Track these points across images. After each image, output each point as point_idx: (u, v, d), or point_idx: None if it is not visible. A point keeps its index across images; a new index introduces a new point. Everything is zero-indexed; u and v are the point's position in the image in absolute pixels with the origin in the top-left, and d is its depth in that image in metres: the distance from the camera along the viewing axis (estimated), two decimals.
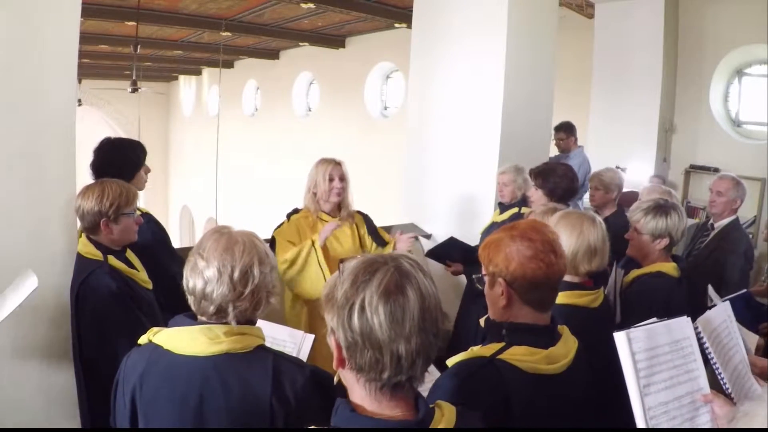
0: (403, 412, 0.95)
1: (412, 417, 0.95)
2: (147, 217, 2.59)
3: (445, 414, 1.00)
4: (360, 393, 0.96)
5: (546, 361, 1.32)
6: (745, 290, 2.54)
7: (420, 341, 0.92)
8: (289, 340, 1.86)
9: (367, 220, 3.07)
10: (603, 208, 3.49)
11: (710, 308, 2.40)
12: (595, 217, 1.94)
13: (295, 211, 2.94)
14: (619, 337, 1.34)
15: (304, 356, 1.82)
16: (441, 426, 0.97)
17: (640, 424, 1.31)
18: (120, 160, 2.51)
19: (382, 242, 3.04)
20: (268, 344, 1.40)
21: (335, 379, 1.02)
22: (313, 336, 1.89)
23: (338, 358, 0.96)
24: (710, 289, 2.41)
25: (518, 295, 1.35)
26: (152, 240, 2.56)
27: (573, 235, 1.85)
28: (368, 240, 3.02)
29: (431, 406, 1.01)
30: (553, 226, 1.88)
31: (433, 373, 1.58)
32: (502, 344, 1.33)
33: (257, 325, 1.42)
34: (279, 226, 2.91)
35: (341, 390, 1.00)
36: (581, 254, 1.86)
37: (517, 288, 1.34)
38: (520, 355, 1.31)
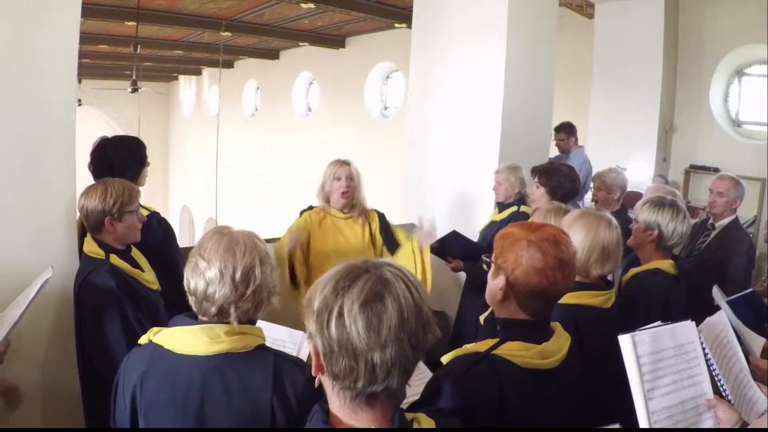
0: (378, 424, 0.94)
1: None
2: (157, 217, 2.60)
3: (423, 425, 0.98)
4: (336, 403, 0.95)
5: (540, 356, 1.33)
6: (751, 290, 2.53)
7: (396, 351, 0.90)
8: (288, 341, 1.86)
9: (381, 218, 3.12)
10: (606, 209, 3.48)
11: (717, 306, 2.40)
12: (611, 220, 1.91)
13: (309, 207, 3.08)
14: (624, 341, 1.33)
15: (303, 356, 1.81)
16: None
17: (643, 426, 1.31)
18: (127, 160, 2.51)
19: (392, 245, 3.06)
20: (267, 344, 1.40)
21: (316, 382, 1.00)
22: None
23: (316, 364, 0.95)
24: (715, 290, 2.41)
25: (515, 297, 1.36)
26: (165, 240, 2.56)
27: (588, 236, 1.84)
28: (379, 238, 3.06)
29: (410, 418, 0.99)
30: (569, 225, 1.88)
31: (424, 372, 1.58)
32: (497, 340, 1.34)
33: (257, 325, 1.42)
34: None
35: (322, 392, 0.98)
36: (594, 257, 1.84)
37: (516, 292, 1.35)
38: (514, 351, 1.31)
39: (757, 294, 2.55)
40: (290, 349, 1.82)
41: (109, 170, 2.40)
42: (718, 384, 1.50)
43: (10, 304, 1.83)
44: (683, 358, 1.40)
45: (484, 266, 1.52)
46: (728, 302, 2.26)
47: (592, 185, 3.66)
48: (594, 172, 4.84)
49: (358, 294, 0.90)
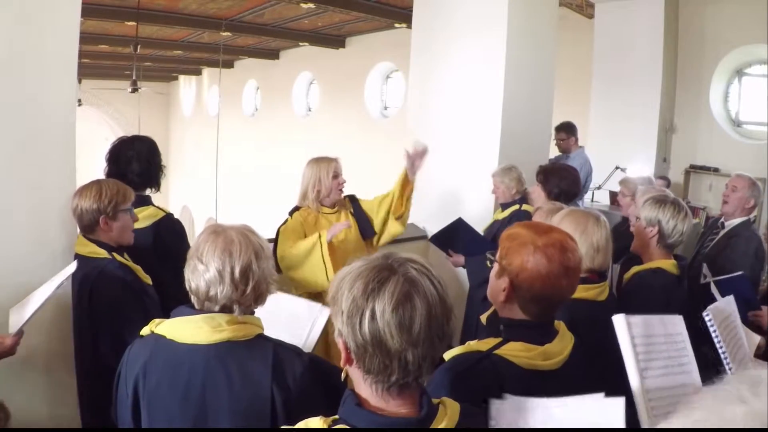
0: (407, 409, 0.97)
1: (414, 415, 0.97)
2: (171, 217, 2.62)
3: (449, 412, 1.00)
4: (367, 391, 0.98)
5: (542, 357, 1.33)
6: (740, 273, 2.52)
7: (427, 347, 0.95)
8: (306, 312, 1.82)
9: (352, 201, 3.10)
10: (629, 215, 3.44)
11: (703, 285, 2.42)
12: (599, 216, 1.94)
13: (296, 208, 3.00)
14: (618, 320, 1.36)
15: (318, 329, 1.79)
16: (443, 424, 0.98)
17: (640, 405, 1.30)
18: (152, 160, 2.57)
19: (368, 231, 3.04)
20: (282, 315, 1.45)
21: (343, 376, 1.04)
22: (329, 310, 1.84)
23: (346, 358, 0.98)
24: (705, 267, 2.43)
25: (518, 299, 1.36)
26: (182, 239, 2.57)
27: (576, 232, 1.84)
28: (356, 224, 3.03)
29: (437, 402, 1.01)
30: (558, 222, 1.89)
31: None
32: (499, 339, 1.34)
33: (276, 294, 1.47)
34: (283, 223, 2.97)
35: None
36: (584, 252, 1.84)
37: (519, 296, 1.35)
38: (516, 351, 1.32)
39: (745, 278, 2.54)
40: (304, 321, 1.80)
41: (138, 171, 2.46)
42: (724, 362, 1.51)
43: (28, 295, 1.84)
44: (673, 347, 1.43)
45: (488, 263, 1.52)
46: (714, 282, 2.26)
47: (595, 185, 3.66)
48: (594, 172, 4.85)
49: (389, 297, 0.93)
